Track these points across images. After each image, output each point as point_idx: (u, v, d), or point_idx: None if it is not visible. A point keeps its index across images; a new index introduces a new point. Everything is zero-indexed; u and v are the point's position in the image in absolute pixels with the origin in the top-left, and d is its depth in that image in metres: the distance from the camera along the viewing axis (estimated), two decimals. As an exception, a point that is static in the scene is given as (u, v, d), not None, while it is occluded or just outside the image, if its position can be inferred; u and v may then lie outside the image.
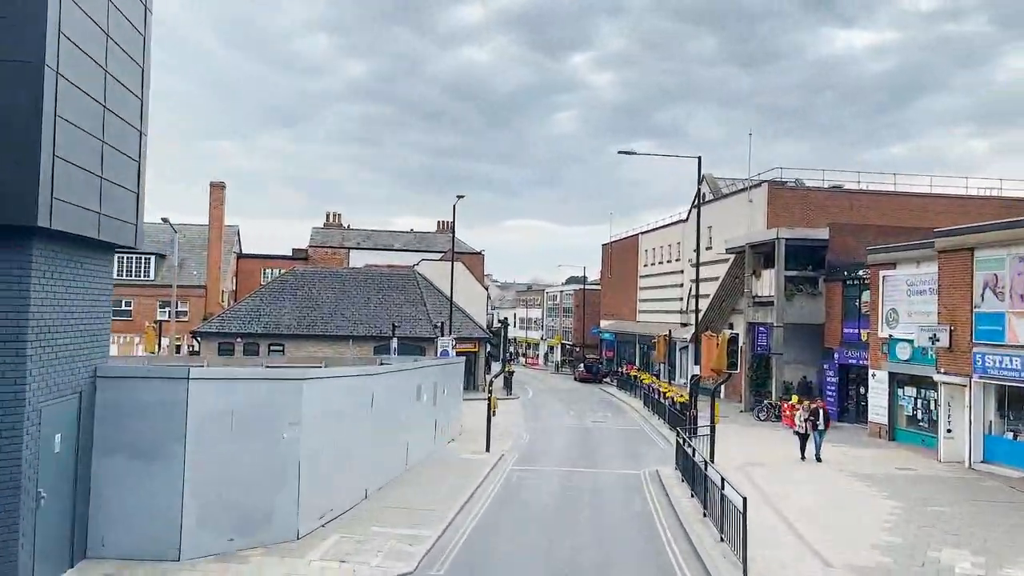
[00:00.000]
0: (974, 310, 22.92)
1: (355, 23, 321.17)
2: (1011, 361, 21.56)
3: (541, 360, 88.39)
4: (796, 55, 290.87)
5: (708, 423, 28.90)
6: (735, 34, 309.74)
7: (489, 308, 77.16)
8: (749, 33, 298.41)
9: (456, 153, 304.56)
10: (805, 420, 22.89)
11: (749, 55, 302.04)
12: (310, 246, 65.93)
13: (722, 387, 44.68)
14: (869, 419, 30.53)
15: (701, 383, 29.60)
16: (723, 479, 13.72)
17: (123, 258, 55.25)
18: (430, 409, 23.06)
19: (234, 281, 62.96)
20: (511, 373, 49.68)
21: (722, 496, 13.63)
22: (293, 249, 68.04)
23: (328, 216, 69.65)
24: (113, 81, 10.60)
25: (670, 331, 48.01)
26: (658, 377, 45.61)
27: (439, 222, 69.89)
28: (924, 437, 27.55)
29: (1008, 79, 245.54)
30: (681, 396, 30.46)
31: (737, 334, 22.90)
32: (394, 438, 18.81)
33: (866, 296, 33.19)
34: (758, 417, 35.76)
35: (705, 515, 15.60)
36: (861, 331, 32.79)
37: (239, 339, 44.78)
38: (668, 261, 58.13)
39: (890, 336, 28.95)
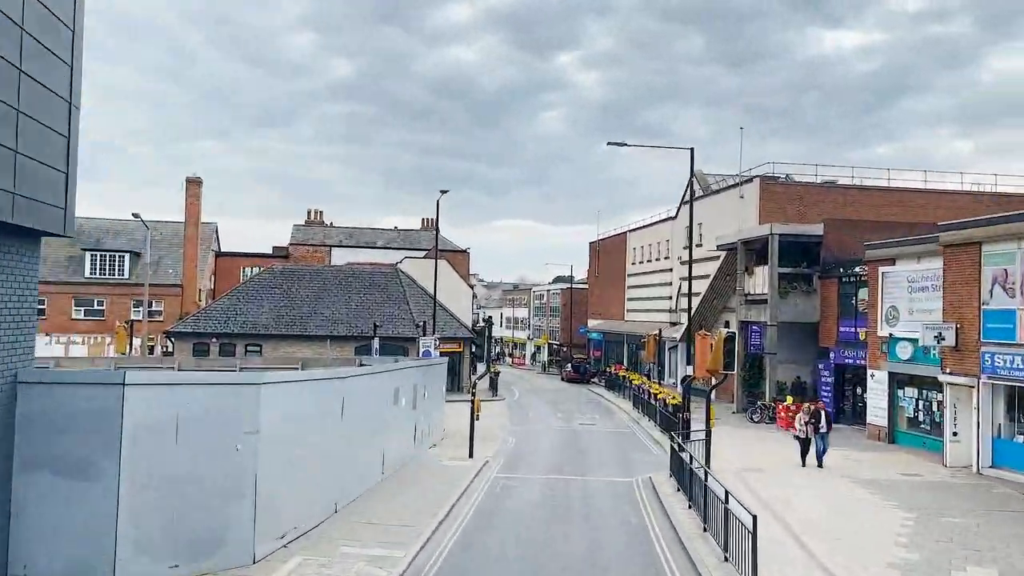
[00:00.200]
0: (982, 307, 21.81)
1: (341, 22, 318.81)
2: (1022, 361, 20.46)
3: (528, 360, 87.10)
4: (783, 55, 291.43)
5: (702, 426, 27.84)
6: (722, 34, 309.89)
7: (475, 307, 75.76)
8: (736, 33, 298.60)
9: (444, 152, 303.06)
10: (806, 423, 21.65)
11: (736, 55, 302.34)
12: (291, 244, 64.28)
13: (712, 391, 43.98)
14: (868, 421, 29.43)
15: (694, 384, 28.43)
16: (727, 492, 12.45)
17: (96, 256, 53.62)
18: (409, 413, 21.70)
19: (212, 280, 61.24)
20: (497, 374, 48.38)
21: (726, 511, 12.35)
22: (274, 247, 66.42)
23: (310, 213, 68.01)
24: (31, 41, 9.18)
25: (660, 330, 46.84)
26: (648, 377, 44.39)
27: (424, 219, 68.43)
28: (926, 440, 26.46)
29: (992, 80, 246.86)
30: (673, 398, 29.25)
31: (734, 333, 21.72)
32: (368, 445, 17.44)
33: (863, 294, 32.10)
34: (752, 419, 34.61)
35: (705, 530, 14.33)
36: (859, 329, 31.68)
37: (214, 339, 43.21)
38: (657, 259, 56.98)
39: (890, 335, 27.85)
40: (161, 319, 51.32)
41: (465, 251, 65.24)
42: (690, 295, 28.36)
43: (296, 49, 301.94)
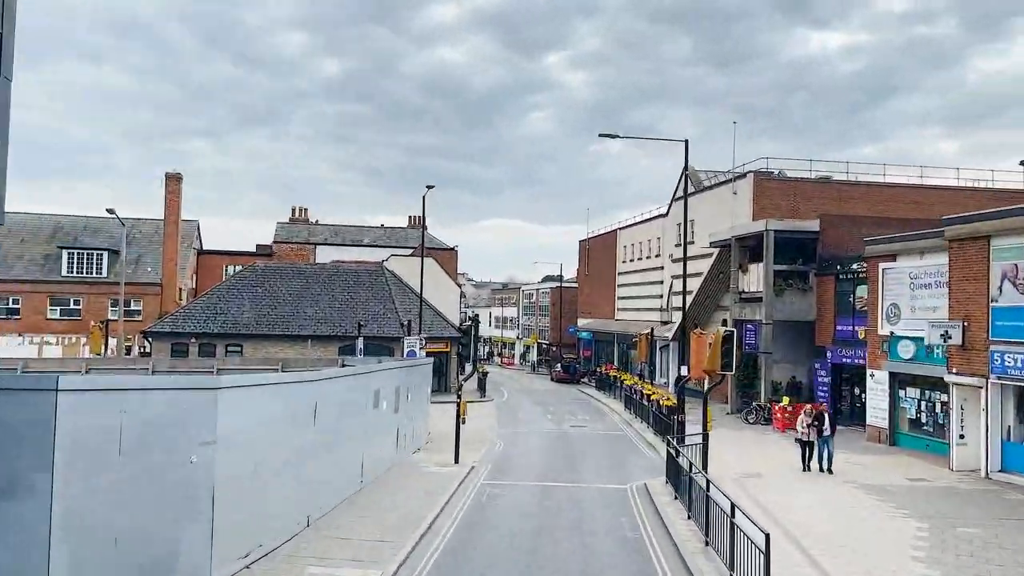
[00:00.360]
0: (991, 304, 20.86)
1: (329, 21, 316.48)
2: (1033, 360, 19.55)
3: (517, 360, 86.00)
4: (770, 56, 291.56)
5: (697, 429, 26.80)
6: (710, 34, 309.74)
7: (462, 307, 74.61)
8: (724, 33, 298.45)
9: (432, 152, 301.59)
10: (808, 426, 20.61)
11: (724, 55, 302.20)
12: (275, 242, 62.89)
13: (705, 386, 42.96)
14: (867, 422, 28.49)
15: (688, 385, 27.42)
16: (733, 505, 11.38)
17: (73, 254, 52.20)
18: (391, 417, 20.55)
19: (194, 278, 59.81)
20: (485, 374, 47.27)
21: (732, 525, 11.29)
22: (257, 245, 65.00)
23: (294, 211, 66.65)
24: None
25: (652, 329, 45.82)
26: (642, 378, 43.34)
27: (410, 217, 67.21)
28: (929, 442, 25.54)
29: (977, 81, 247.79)
30: (668, 399, 28.20)
31: (732, 332, 20.63)
32: (345, 452, 16.29)
33: (861, 291, 31.18)
34: (747, 420, 33.65)
35: (707, 543, 13.27)
36: (857, 328, 30.76)
37: (193, 339, 41.92)
38: (648, 257, 56.00)
39: (891, 333, 26.91)
40: (140, 319, 49.94)
41: (453, 249, 64.05)
42: (684, 292, 27.31)
43: (285, 48, 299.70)
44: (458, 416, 22.58)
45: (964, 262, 21.78)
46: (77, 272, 51.82)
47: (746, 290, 37.34)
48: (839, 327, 32.85)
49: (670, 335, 47.29)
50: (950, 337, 21.58)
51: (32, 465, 8.87)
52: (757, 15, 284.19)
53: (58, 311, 50.04)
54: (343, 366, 29.39)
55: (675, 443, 19.36)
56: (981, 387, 21.04)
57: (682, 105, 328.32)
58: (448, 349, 45.06)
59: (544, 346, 75.52)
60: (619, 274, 61.61)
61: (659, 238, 54.13)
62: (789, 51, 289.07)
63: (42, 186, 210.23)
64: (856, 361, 31.03)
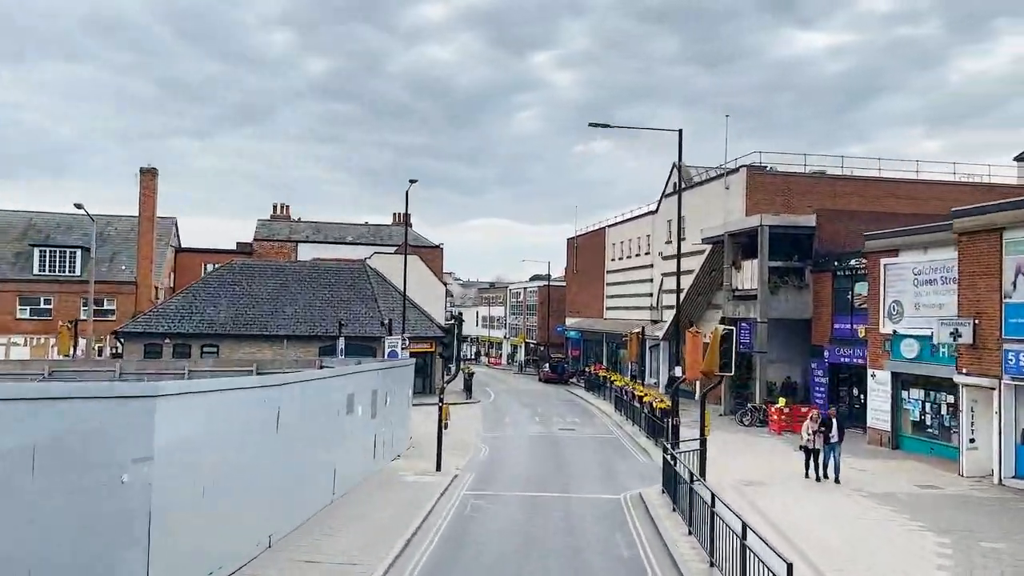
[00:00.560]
0: (1004, 300, 19.72)
1: (316, 19, 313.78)
2: (1050, 360, 18.43)
3: (504, 360, 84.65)
4: (757, 56, 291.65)
5: (692, 432, 25.54)
6: (697, 34, 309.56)
7: (449, 306, 73.20)
8: (711, 33, 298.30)
9: (420, 152, 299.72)
10: (814, 432, 19.34)
11: (711, 55, 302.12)
12: (255, 240, 61.28)
13: (697, 387, 41.77)
14: (868, 425, 27.36)
15: (682, 386, 26.21)
16: (744, 525, 10.09)
17: (45, 252, 50.46)
18: (367, 423, 19.16)
19: (171, 277, 58.14)
20: (471, 375, 45.86)
21: (743, 547, 10.00)
22: (237, 243, 63.35)
23: (275, 208, 65.01)
24: None
25: (643, 328, 44.60)
26: (634, 379, 42.11)
27: (395, 214, 65.72)
28: (933, 445, 24.42)
29: (960, 81, 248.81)
30: (661, 401, 26.95)
31: (731, 330, 19.41)
32: (314, 463, 14.91)
33: (860, 288, 30.09)
34: (742, 422, 32.47)
35: (712, 564, 11.99)
36: (855, 326, 29.66)
37: (167, 340, 40.30)
38: (637, 255, 54.81)
39: (894, 332, 25.78)
40: (114, 318, 48.23)
41: (438, 247, 62.66)
42: (678, 289, 26.08)
43: (271, 46, 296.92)
44: (440, 421, 21.22)
45: (975, 256, 20.63)
46: (49, 271, 50.10)
47: (740, 287, 36.18)
48: (837, 325, 31.75)
49: (661, 334, 46.10)
50: (960, 335, 20.42)
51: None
52: (744, 15, 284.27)
53: (28, 311, 48.27)
54: (321, 367, 28.01)
55: (671, 449, 18.10)
56: (994, 388, 19.89)
57: (670, 104, 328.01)
58: (433, 349, 43.65)
59: (532, 346, 74.22)
60: (608, 272, 60.41)
61: (649, 235, 52.95)
62: (775, 51, 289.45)
63: (22, 185, 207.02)
64: (855, 361, 29.93)
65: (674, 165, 52.03)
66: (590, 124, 25.63)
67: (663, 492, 17.79)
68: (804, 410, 31.25)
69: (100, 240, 55.33)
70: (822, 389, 32.60)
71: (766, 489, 18.93)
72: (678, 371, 25.75)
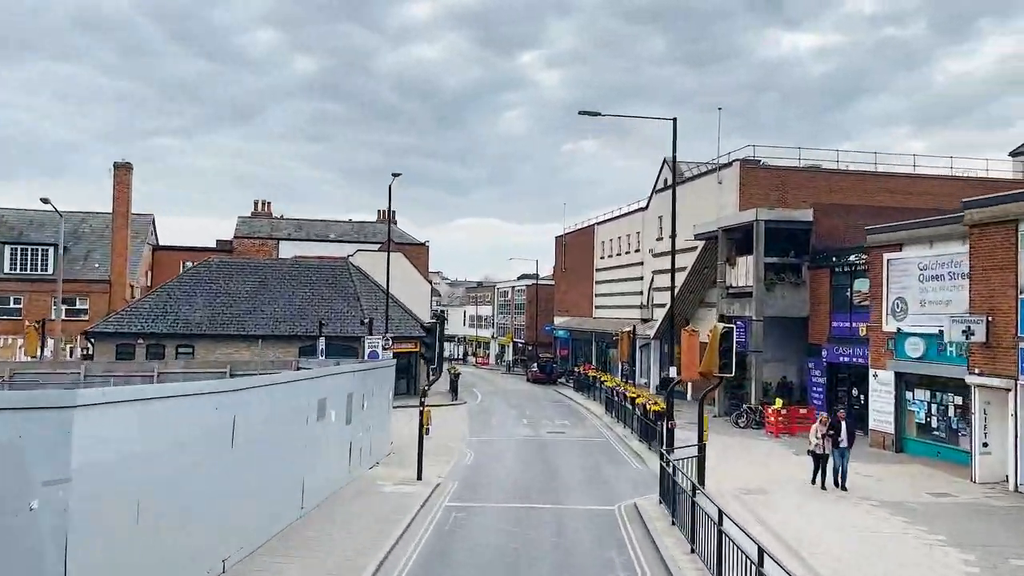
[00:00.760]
0: (1020, 296, 18.59)
1: (303, 18, 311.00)
2: (1070, 359, 17.32)
3: (492, 359, 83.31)
4: (743, 56, 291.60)
5: (688, 436, 24.30)
6: (684, 34, 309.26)
7: (435, 305, 71.80)
8: (698, 34, 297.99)
9: (408, 151, 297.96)
10: (823, 436, 18.08)
11: (698, 55, 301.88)
12: (235, 237, 59.59)
13: (689, 388, 40.67)
14: (870, 427, 26.24)
15: (676, 387, 25.00)
16: (761, 551, 8.81)
17: (16, 250, 48.78)
18: (342, 429, 17.80)
19: (148, 276, 56.38)
20: (457, 375, 44.48)
21: (759, 576, 8.73)
22: (217, 241, 61.66)
23: (256, 204, 63.35)
24: None
25: (634, 327, 43.38)
26: (626, 380, 40.89)
27: (379, 211, 64.10)
28: (940, 449, 23.31)
29: (945, 82, 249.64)
30: (655, 403, 25.71)
31: (731, 328, 18.15)
32: (278, 476, 13.54)
33: (859, 284, 28.98)
34: (737, 424, 31.28)
35: (720, 589, 10.72)
36: (858, 324, 28.52)
37: (140, 340, 38.71)
38: (627, 252, 53.61)
39: (898, 330, 24.65)
40: (86, 318, 46.55)
41: (424, 244, 61.22)
42: (673, 286, 24.85)
43: (257, 46, 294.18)
44: (421, 426, 19.87)
45: (988, 249, 19.49)
46: (20, 268, 48.41)
47: (734, 285, 35.02)
48: (835, 323, 30.63)
49: (651, 333, 44.92)
50: (973, 333, 19.27)
51: None
52: (731, 15, 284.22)
53: (-4, 310, 46.53)
54: (298, 368, 26.61)
55: (668, 455, 16.85)
56: (1009, 389, 18.75)
57: (657, 104, 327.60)
58: (417, 349, 42.21)
59: (520, 345, 72.93)
60: (597, 271, 59.21)
61: (639, 232, 51.77)
62: (762, 52, 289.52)
63: (22, 185, 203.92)
64: (855, 360, 28.82)
65: (664, 161, 50.86)
66: (580, 112, 24.35)
67: (660, 502, 16.54)
68: (803, 411, 30.20)
69: (74, 238, 53.61)
70: (820, 389, 31.48)
71: (769, 498, 17.72)
72: (673, 372, 24.56)
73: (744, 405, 32.16)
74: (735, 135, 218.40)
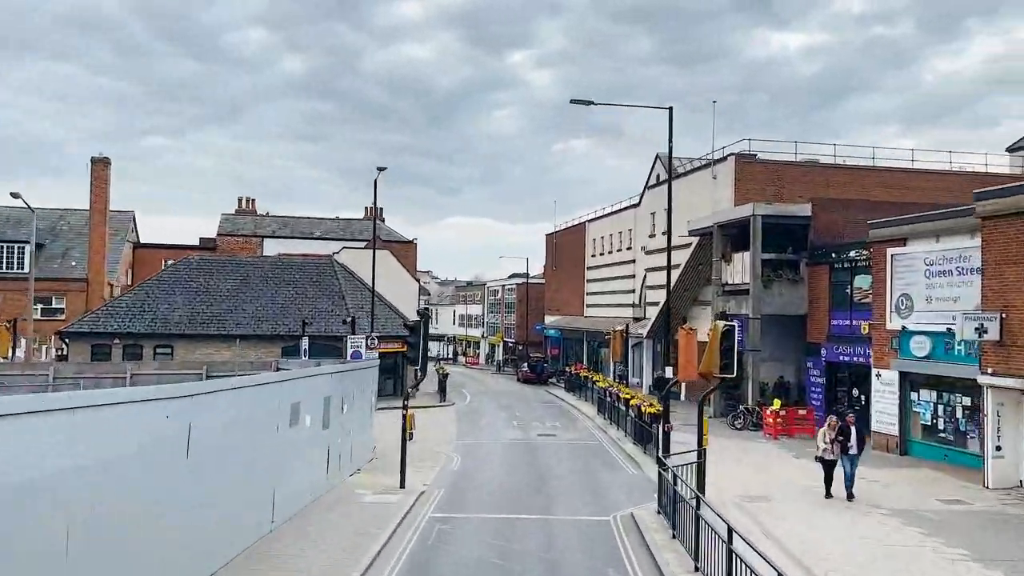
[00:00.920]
0: (1037, 292, 17.66)
1: (292, 18, 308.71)
2: (1090, 358, 16.38)
3: (482, 360, 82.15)
4: (731, 56, 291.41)
5: (683, 439, 23.27)
6: (673, 34, 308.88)
7: (424, 303, 70.55)
8: (686, 34, 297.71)
9: (400, 150, 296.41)
10: (832, 441, 17.01)
11: (686, 55, 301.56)
12: (218, 235, 58.26)
13: (683, 388, 39.65)
14: (873, 428, 25.25)
15: (672, 388, 23.97)
16: (781, 578, 7.74)
17: (-12, 247, 47.34)
18: (318, 434, 16.66)
19: (129, 274, 54.98)
20: (445, 375, 43.33)
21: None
22: (201, 238, 60.26)
23: (240, 201, 61.96)
24: None
25: (627, 326, 42.33)
26: (621, 380, 39.84)
27: (366, 208, 62.88)
28: (947, 452, 22.36)
29: (934, 81, 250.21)
30: (651, 406, 24.66)
31: (733, 326, 17.08)
32: (244, 488, 12.39)
33: (860, 281, 28.05)
34: (733, 425, 30.28)
35: (730, 616, 9.65)
36: (858, 322, 27.59)
37: (117, 340, 37.38)
38: (619, 250, 52.58)
39: (903, 328, 23.69)
40: (63, 317, 45.15)
41: (412, 242, 60.02)
42: (668, 283, 23.83)
43: (247, 45, 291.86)
44: (404, 431, 18.73)
45: (1002, 243, 18.54)
46: (-6, 267, 46.97)
47: (730, 282, 34.03)
48: (834, 321, 29.69)
49: (644, 332, 43.90)
50: (986, 331, 18.30)
51: None
52: (719, 15, 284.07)
53: (-31, 310, 44.97)
54: (277, 369, 25.45)
55: (668, 463, 15.76)
56: (1024, 390, 17.83)
57: (646, 103, 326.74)
58: (405, 349, 41.00)
59: (510, 345, 71.82)
60: (588, 269, 58.16)
61: (631, 230, 50.74)
62: (750, 51, 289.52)
63: (22, 185, 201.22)
64: (855, 359, 27.89)
65: (657, 156, 49.82)
66: (572, 101, 23.35)
67: (659, 513, 15.47)
68: (801, 412, 29.24)
69: (51, 235, 52.16)
70: (818, 389, 30.54)
71: (772, 506, 16.69)
72: (669, 372, 23.53)
73: (741, 406, 31.16)
74: (724, 135, 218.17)
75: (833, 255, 29.71)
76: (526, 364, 56.34)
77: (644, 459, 23.37)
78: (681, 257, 39.44)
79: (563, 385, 49.13)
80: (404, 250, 56.84)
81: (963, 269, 21.31)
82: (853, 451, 16.90)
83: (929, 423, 23.24)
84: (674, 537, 13.55)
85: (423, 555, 13.08)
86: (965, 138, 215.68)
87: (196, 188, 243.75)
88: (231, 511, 11.77)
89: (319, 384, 16.91)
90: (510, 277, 78.11)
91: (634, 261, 49.61)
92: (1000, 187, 19.80)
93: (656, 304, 43.11)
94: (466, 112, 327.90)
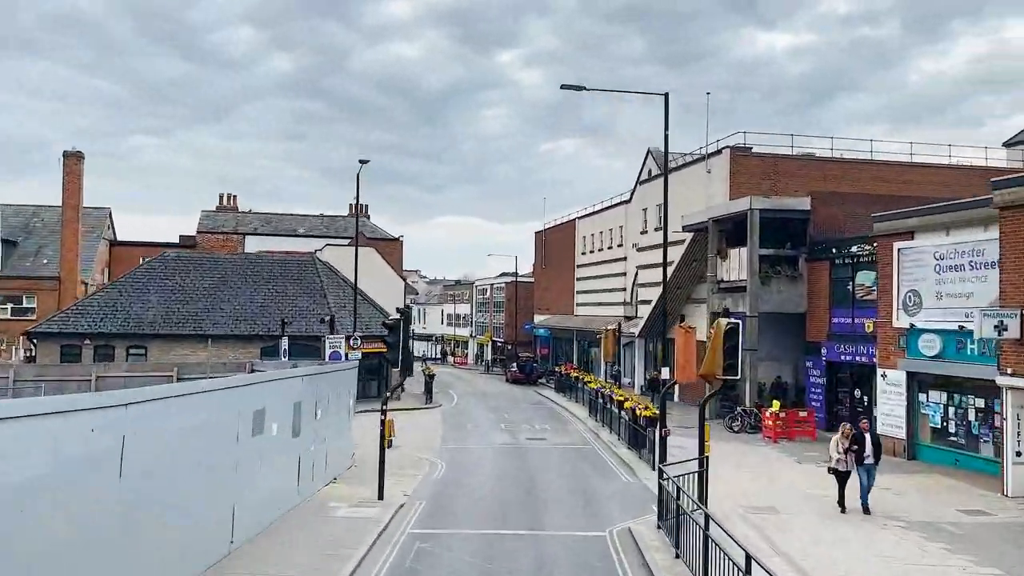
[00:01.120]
0: (1061, 286, 16.50)
1: (280, 16, 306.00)
2: (1120, 357, 15.22)
3: (471, 359, 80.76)
4: (720, 55, 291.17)
5: (679, 444, 22.05)
6: (662, 35, 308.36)
7: (409, 303, 69.08)
8: (675, 34, 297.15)
9: (388, 149, 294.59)
10: (845, 451, 15.70)
11: (676, 55, 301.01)
12: (198, 232, 56.60)
13: (676, 389, 38.36)
14: (878, 431, 23.96)
15: (665, 390, 22.72)
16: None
17: (-41, 245, 45.61)
18: (287, 443, 15.27)
19: (105, 273, 53.28)
20: (432, 376, 41.93)
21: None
22: (180, 236, 58.57)
23: (221, 198, 60.30)
24: None
25: (619, 324, 41.10)
26: (614, 381, 38.56)
27: (351, 205, 61.36)
28: (959, 457, 21.19)
29: (919, 81, 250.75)
30: (647, 409, 23.38)
31: (737, 324, 15.84)
32: (196, 507, 11.00)
33: (862, 277, 26.91)
34: (731, 428, 29.03)
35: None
36: (861, 320, 26.44)
37: (87, 340, 35.80)
38: (610, 247, 51.34)
39: (911, 326, 22.52)
40: (34, 317, 43.45)
41: (398, 239, 58.56)
42: (664, 280, 22.58)
43: (235, 44, 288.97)
44: (382, 438, 17.36)
45: (1023, 234, 17.35)
46: (-37, 265, 45.20)
47: (726, 279, 32.81)
48: (835, 319, 28.54)
49: (636, 331, 42.66)
50: (1006, 328, 17.12)
51: None
52: (708, 15, 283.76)
53: (-64, 310, 43.36)
54: (252, 371, 24.08)
55: (668, 473, 14.47)
56: (1047, 392, 16.65)
57: (636, 103, 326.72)
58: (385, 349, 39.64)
59: (499, 344, 70.47)
60: (578, 267, 56.89)
61: (622, 226, 49.50)
62: (739, 51, 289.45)
63: (22, 184, 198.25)
64: (857, 359, 26.75)
65: (649, 151, 48.65)
66: (562, 86, 21.97)
67: (659, 527, 14.18)
68: (802, 414, 28.04)
69: (25, 232, 50.41)
70: (818, 390, 29.38)
71: (781, 519, 15.44)
72: (665, 373, 22.29)
73: (738, 407, 29.91)
74: (717, 133, 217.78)
75: (834, 250, 28.56)
76: (515, 364, 54.99)
77: (639, 465, 22.12)
78: (675, 254, 38.15)
79: (553, 385, 47.82)
80: (390, 248, 55.41)
81: (976, 263, 20.16)
82: (869, 460, 15.60)
83: (939, 426, 22.07)
84: (677, 557, 12.26)
85: (400, 578, 11.73)
86: (950, 139, 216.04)
87: (182, 188, 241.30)
88: (177, 536, 10.37)
89: (288, 388, 15.52)
90: (499, 276, 76.75)
91: (625, 259, 48.39)
92: (1020, 174, 18.62)
93: (648, 302, 41.88)
94: (455, 111, 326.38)
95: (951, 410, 21.64)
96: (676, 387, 36.55)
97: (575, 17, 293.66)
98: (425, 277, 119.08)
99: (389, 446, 18.15)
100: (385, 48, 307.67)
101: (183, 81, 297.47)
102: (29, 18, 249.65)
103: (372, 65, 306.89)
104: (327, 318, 33.88)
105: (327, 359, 27.68)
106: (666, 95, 21.63)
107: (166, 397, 9.92)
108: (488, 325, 74.88)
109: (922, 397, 22.58)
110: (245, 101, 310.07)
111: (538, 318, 63.53)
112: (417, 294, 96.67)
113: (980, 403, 20.53)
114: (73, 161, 45.21)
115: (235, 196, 60.80)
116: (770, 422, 27.21)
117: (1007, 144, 46.44)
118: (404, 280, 54.50)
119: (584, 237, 56.26)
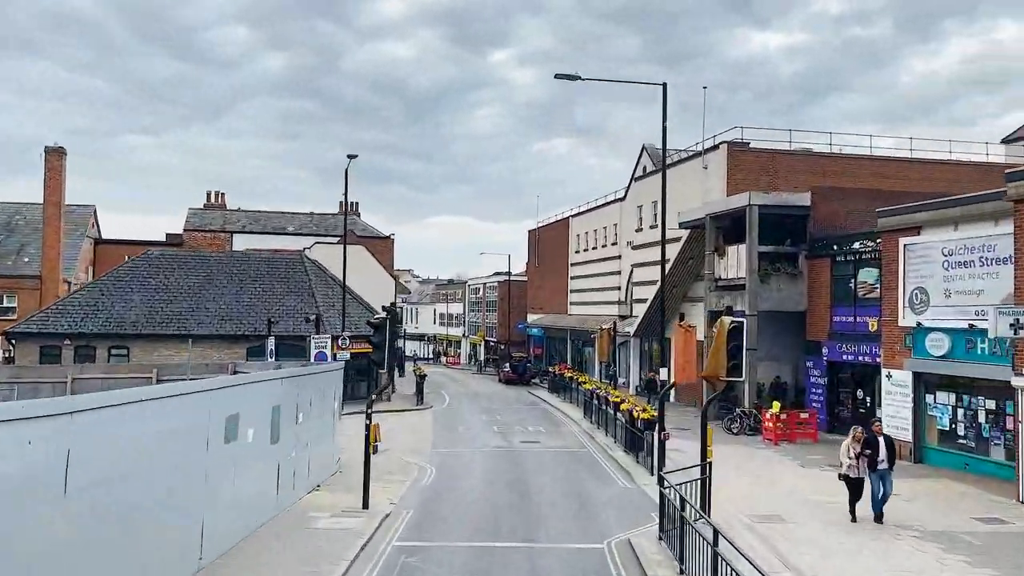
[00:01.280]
0: (1080, 282, 15.73)
1: (274, 15, 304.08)
2: None
3: (464, 359, 79.84)
4: (714, 54, 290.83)
5: (678, 448, 21.27)
6: (657, 34, 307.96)
7: (401, 302, 68.15)
8: (670, 33, 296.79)
9: (381, 148, 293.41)
10: (857, 456, 14.84)
11: (670, 54, 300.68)
12: (186, 230, 55.59)
13: (672, 392, 37.55)
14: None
15: (664, 391, 21.92)
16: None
17: (-62, 243, 44.46)
18: (265, 450, 14.36)
19: (90, 272, 52.15)
20: (423, 376, 41.01)
21: None
22: (167, 234, 57.54)
23: (209, 196, 59.29)
24: None
25: (615, 323, 40.28)
26: (611, 381, 37.71)
27: (340, 203, 60.37)
28: (968, 460, 20.43)
29: (911, 81, 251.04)
30: (645, 411, 22.53)
31: (741, 322, 15.03)
32: (158, 523, 10.09)
33: (864, 275, 26.15)
34: (730, 430, 28.23)
35: None
36: (863, 318, 25.71)
37: (67, 341, 34.78)
38: (604, 245, 50.51)
39: (917, 324, 21.74)
40: (14, 317, 42.39)
41: (388, 238, 57.65)
42: (663, 277, 21.74)
43: (228, 44, 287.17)
44: (367, 444, 16.46)
45: (1039, 228, 16.59)
46: (-58, 264, 44.07)
47: (724, 276, 32.02)
48: (836, 318, 27.79)
49: (632, 330, 41.85)
50: (1023, 327, 16.32)
51: None
52: (703, 14, 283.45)
53: (-86, 309, 42.24)
54: (235, 372, 23.10)
55: (669, 481, 13.61)
56: (1065, 393, 15.88)
57: (630, 102, 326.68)
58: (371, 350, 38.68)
59: (492, 344, 69.57)
60: (572, 265, 56.05)
61: (616, 224, 48.68)
62: (733, 51, 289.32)
63: (22, 184, 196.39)
64: (859, 358, 26.00)
65: (644, 148, 47.82)
66: (556, 76, 21.14)
67: (660, 539, 13.32)
68: (803, 416, 27.26)
69: (7, 230, 49.30)
70: (819, 391, 28.62)
71: (788, 528, 14.60)
72: (664, 373, 21.48)
73: (737, 408, 29.11)
74: (712, 130, 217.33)
75: (835, 247, 27.81)
76: (508, 364, 54.10)
77: (637, 469, 21.29)
78: (671, 251, 37.18)
79: (547, 386, 46.99)
80: (381, 246, 54.52)
81: (987, 259, 19.40)
82: (883, 465, 14.74)
83: (947, 428, 21.29)
84: (682, 572, 11.41)
85: (381, 600, 10.85)
86: (942, 137, 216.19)
87: (176, 188, 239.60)
88: (137, 555, 9.46)
89: (266, 391, 14.61)
90: (492, 275, 75.84)
91: (620, 257, 47.59)
92: (1036, 166, 17.88)
93: (644, 301, 41.07)
94: (448, 111, 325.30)
95: (960, 412, 20.87)
96: (673, 388, 35.87)
97: (569, 16, 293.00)
98: (418, 277, 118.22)
99: (375, 451, 17.24)
100: (379, 48, 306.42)
101: (177, 80, 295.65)
102: (27, 18, 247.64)
103: (365, 65, 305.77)
104: (312, 317, 32.91)
105: (312, 359, 26.74)
106: (664, 85, 20.85)
107: (121, 404, 9.00)
108: (481, 325, 73.99)
109: (929, 398, 21.82)
110: (240, 101, 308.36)
111: (531, 317, 62.68)
112: (409, 293, 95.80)
113: (991, 404, 19.78)
114: (55, 157, 44.13)
115: (223, 194, 59.84)
116: (770, 424, 26.42)
117: (1006, 140, 45.86)
118: (395, 279, 53.56)
119: (578, 235, 55.44)
